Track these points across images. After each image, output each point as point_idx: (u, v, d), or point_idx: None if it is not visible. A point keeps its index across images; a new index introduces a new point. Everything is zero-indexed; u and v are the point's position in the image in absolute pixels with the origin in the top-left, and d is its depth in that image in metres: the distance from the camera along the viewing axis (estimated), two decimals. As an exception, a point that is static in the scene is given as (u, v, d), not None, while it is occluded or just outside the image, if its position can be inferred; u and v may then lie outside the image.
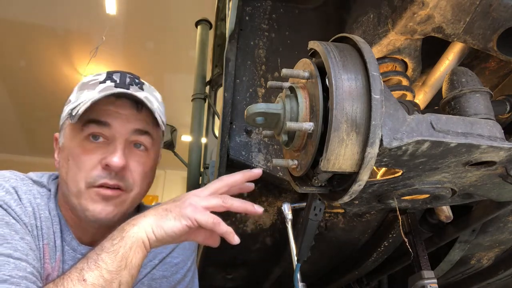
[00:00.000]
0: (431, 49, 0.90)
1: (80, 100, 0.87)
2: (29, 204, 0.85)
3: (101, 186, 0.84)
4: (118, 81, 0.90)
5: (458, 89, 0.71)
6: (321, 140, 0.58)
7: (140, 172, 0.90)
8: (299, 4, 1.23)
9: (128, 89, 0.89)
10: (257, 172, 0.82)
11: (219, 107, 2.66)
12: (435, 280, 1.11)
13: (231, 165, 1.21)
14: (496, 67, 0.94)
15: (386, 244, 1.46)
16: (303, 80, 0.64)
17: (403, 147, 0.58)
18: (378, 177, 0.78)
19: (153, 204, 1.08)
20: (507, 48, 0.74)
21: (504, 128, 0.67)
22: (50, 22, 4.79)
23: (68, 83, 5.70)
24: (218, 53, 2.75)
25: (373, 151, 0.55)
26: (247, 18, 1.21)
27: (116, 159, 0.83)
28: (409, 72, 0.91)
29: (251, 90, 1.18)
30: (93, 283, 0.69)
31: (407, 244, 1.17)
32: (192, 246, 1.12)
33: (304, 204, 1.13)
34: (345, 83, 0.56)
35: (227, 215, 1.40)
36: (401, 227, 1.26)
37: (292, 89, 0.66)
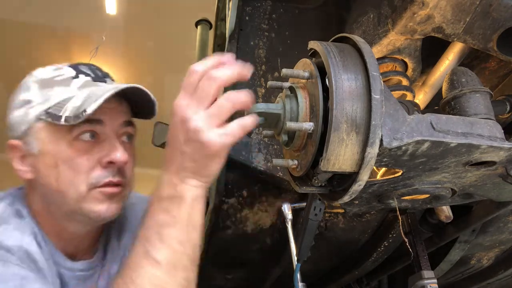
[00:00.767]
0: (431, 49, 0.90)
1: (58, 98, 0.80)
2: (22, 254, 0.74)
3: (105, 185, 0.80)
4: (93, 75, 0.86)
5: (458, 89, 0.71)
6: (321, 140, 0.58)
7: (133, 165, 0.87)
8: (299, 4, 1.23)
9: (106, 82, 0.87)
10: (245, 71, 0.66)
11: (219, 107, 2.65)
12: (435, 280, 1.11)
13: (231, 165, 1.21)
14: (496, 67, 0.94)
15: (386, 244, 1.46)
16: (303, 80, 0.64)
17: (403, 147, 0.58)
18: (378, 177, 0.78)
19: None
20: (507, 48, 0.74)
21: (504, 128, 0.67)
22: (50, 22, 4.79)
23: (68, 83, 5.69)
24: (218, 53, 2.74)
25: (373, 151, 0.55)
26: (247, 18, 1.21)
27: (120, 155, 0.80)
28: (409, 72, 0.91)
29: (251, 90, 1.18)
30: (168, 261, 0.63)
31: (407, 244, 1.17)
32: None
33: (304, 204, 1.14)
34: (345, 83, 0.56)
35: (227, 216, 1.40)
36: (401, 227, 1.26)
37: (292, 89, 0.66)
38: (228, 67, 0.64)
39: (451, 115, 0.66)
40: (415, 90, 0.93)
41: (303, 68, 0.65)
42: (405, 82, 0.89)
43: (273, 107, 0.64)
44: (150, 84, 5.80)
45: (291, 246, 1.19)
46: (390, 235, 1.42)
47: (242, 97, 0.64)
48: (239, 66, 0.65)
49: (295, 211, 1.26)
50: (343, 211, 1.37)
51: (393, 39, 0.83)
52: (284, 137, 0.65)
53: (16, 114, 0.82)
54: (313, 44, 0.64)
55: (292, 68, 0.68)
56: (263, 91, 1.21)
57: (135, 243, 0.67)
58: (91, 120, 0.78)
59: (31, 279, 0.70)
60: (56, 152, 0.79)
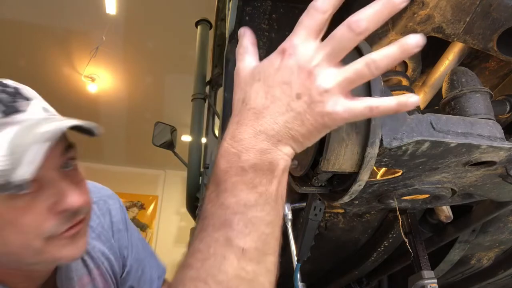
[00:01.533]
0: (431, 49, 0.90)
1: None
2: None
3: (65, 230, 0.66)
4: (5, 104, 0.60)
5: (458, 89, 0.71)
6: (321, 140, 0.58)
7: (86, 188, 0.72)
8: (299, 4, 1.23)
9: (20, 110, 0.61)
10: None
11: (219, 107, 2.66)
12: (435, 280, 1.11)
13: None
14: (496, 67, 0.94)
15: (386, 244, 1.46)
16: (303, 80, 0.64)
17: (403, 147, 0.58)
18: (378, 177, 0.78)
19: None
20: (507, 48, 0.74)
21: (504, 128, 0.67)
22: (50, 22, 4.79)
23: (68, 83, 5.70)
24: (218, 53, 2.75)
25: (373, 151, 0.55)
26: (247, 18, 1.21)
27: (73, 199, 0.64)
28: (409, 72, 0.91)
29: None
30: (256, 247, 0.49)
31: (407, 244, 1.17)
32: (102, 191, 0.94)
33: (304, 204, 1.13)
34: (345, 83, 0.56)
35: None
36: (401, 227, 1.26)
37: (292, 89, 0.66)
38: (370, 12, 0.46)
39: (451, 115, 0.65)
40: (415, 90, 0.93)
41: (303, 68, 0.65)
42: (405, 82, 0.89)
43: (273, 107, 0.64)
44: (150, 84, 5.82)
45: (291, 246, 1.19)
46: (390, 235, 1.42)
47: (388, 62, 0.46)
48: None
49: (295, 211, 1.26)
50: (343, 211, 1.37)
51: (393, 39, 0.83)
52: (284, 137, 0.65)
53: None
54: (313, 44, 0.64)
55: (292, 68, 0.68)
56: (263, 91, 1.20)
57: (207, 229, 0.50)
58: None
59: None
60: None
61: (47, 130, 0.57)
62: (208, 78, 2.80)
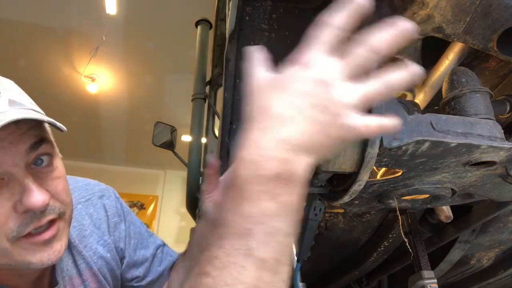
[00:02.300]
0: (431, 49, 0.90)
1: None
2: None
3: (32, 234, 0.64)
4: None
5: (458, 89, 0.71)
6: (321, 140, 0.58)
7: (61, 187, 0.69)
8: (299, 4, 1.23)
9: None
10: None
11: (219, 107, 2.66)
12: (435, 280, 1.11)
13: (231, 165, 1.21)
14: (496, 67, 0.94)
15: (386, 244, 1.46)
16: (303, 80, 0.64)
17: (403, 147, 0.58)
18: (378, 177, 0.78)
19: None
20: (507, 48, 0.74)
21: (504, 128, 0.67)
22: (50, 22, 4.79)
23: (68, 83, 5.70)
24: (218, 53, 2.75)
25: (373, 151, 0.55)
26: (247, 18, 1.21)
27: (36, 197, 0.61)
28: (409, 72, 0.91)
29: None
30: (275, 258, 0.48)
31: (407, 244, 1.17)
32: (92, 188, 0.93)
33: (304, 204, 1.13)
34: (345, 83, 0.56)
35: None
36: (401, 227, 1.26)
37: (292, 89, 0.66)
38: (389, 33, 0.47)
39: (451, 115, 0.65)
40: (415, 90, 0.93)
41: (303, 68, 0.65)
42: (405, 82, 0.89)
43: (273, 107, 0.64)
44: (150, 84, 5.81)
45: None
46: (390, 235, 1.42)
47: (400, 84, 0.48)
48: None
49: (295, 211, 1.25)
50: (343, 211, 1.37)
51: (393, 39, 0.83)
52: (284, 137, 0.65)
53: None
54: (313, 44, 0.64)
55: (292, 68, 0.68)
56: (263, 91, 1.20)
57: (227, 237, 0.48)
58: None
59: None
60: None
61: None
62: (208, 78, 2.79)
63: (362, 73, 0.48)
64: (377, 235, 1.50)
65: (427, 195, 0.78)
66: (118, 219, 0.95)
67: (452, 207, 1.18)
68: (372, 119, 0.48)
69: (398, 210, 0.85)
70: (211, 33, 2.84)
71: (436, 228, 1.36)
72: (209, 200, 0.70)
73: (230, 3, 1.22)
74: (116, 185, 1.10)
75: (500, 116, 0.87)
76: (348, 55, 0.48)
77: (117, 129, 6.75)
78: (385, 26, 0.48)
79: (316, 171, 0.62)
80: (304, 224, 1.04)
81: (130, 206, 8.03)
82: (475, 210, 1.19)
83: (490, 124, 0.64)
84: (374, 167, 0.65)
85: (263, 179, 0.47)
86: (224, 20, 2.42)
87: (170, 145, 2.62)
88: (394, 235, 1.41)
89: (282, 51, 1.34)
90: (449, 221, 1.18)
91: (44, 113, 0.69)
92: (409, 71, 0.49)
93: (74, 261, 0.85)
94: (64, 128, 0.66)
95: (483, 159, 0.64)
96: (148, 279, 0.97)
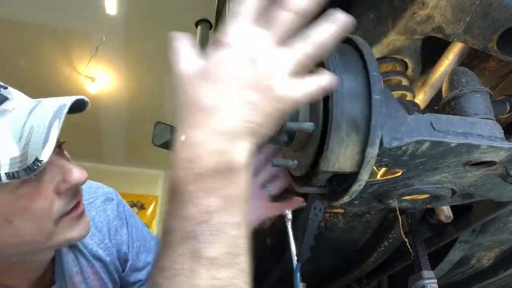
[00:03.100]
0: (431, 49, 0.90)
1: None
2: None
3: (71, 210, 0.68)
4: None
5: (458, 89, 0.71)
6: (321, 140, 0.58)
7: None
8: (299, 4, 1.22)
9: (8, 98, 0.62)
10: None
11: (219, 107, 2.65)
12: (435, 280, 1.11)
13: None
14: (496, 67, 0.94)
15: (386, 244, 1.46)
16: (303, 80, 0.64)
17: (403, 147, 0.58)
18: (378, 177, 0.78)
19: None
20: (507, 48, 0.74)
21: (504, 128, 0.67)
22: (50, 22, 4.79)
23: (68, 83, 5.70)
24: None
25: (373, 151, 0.55)
26: (247, 18, 1.21)
27: (79, 173, 0.65)
28: (409, 72, 0.91)
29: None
30: (226, 252, 0.45)
31: (407, 244, 1.17)
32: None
33: (304, 204, 1.13)
34: (345, 83, 0.56)
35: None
36: (401, 227, 1.26)
37: (292, 89, 0.66)
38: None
39: (451, 115, 0.65)
40: (415, 90, 0.93)
41: (303, 68, 0.65)
42: (405, 82, 0.89)
43: (273, 107, 0.64)
44: (150, 84, 5.81)
45: (291, 246, 1.19)
46: (390, 235, 1.42)
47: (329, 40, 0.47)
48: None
49: (295, 211, 1.25)
50: (343, 211, 1.37)
51: (393, 39, 0.83)
52: (284, 137, 0.65)
53: None
54: (313, 44, 0.64)
55: (292, 68, 0.68)
56: (263, 91, 1.20)
57: (171, 245, 0.46)
58: None
59: None
60: (2, 210, 0.61)
61: (55, 110, 0.58)
62: (208, 78, 2.79)
63: (289, 38, 0.46)
64: (377, 235, 1.50)
65: (427, 195, 0.78)
66: (119, 223, 0.96)
67: (452, 207, 1.18)
68: (306, 82, 0.47)
69: (398, 210, 0.85)
70: (211, 33, 2.84)
71: (436, 228, 1.36)
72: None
73: (230, 3, 1.22)
74: (116, 185, 1.10)
75: (500, 116, 0.87)
76: (272, 22, 0.46)
77: (117, 129, 6.74)
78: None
79: (316, 171, 0.62)
80: (304, 224, 1.04)
81: (131, 206, 8.01)
82: (475, 210, 1.19)
83: (490, 124, 0.64)
84: (374, 167, 0.65)
85: (200, 177, 0.44)
86: (224, 20, 2.42)
87: (170, 145, 2.62)
88: (394, 235, 1.41)
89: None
90: (449, 221, 1.18)
91: None
92: (336, 21, 0.48)
93: (76, 259, 0.86)
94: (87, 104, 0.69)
95: (483, 159, 0.64)
96: None
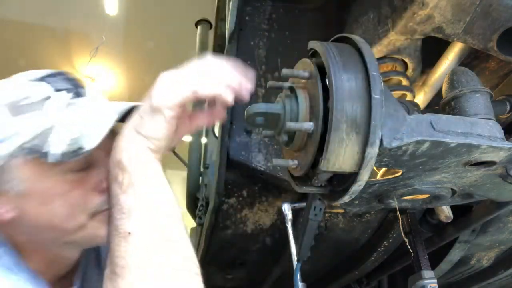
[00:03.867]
0: (431, 49, 0.90)
1: (33, 130, 0.66)
2: None
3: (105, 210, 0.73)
4: (71, 87, 0.73)
5: (458, 89, 0.71)
6: (321, 140, 0.58)
7: None
8: (299, 4, 1.23)
9: (83, 95, 0.74)
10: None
11: (219, 107, 2.65)
12: (435, 280, 1.11)
13: (231, 165, 1.21)
14: (496, 67, 0.94)
15: (386, 244, 1.46)
16: (303, 80, 0.64)
17: (403, 147, 0.58)
18: (378, 177, 0.78)
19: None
20: (507, 48, 0.74)
21: (504, 128, 0.67)
22: (50, 22, 4.79)
23: (68, 83, 5.69)
24: (218, 53, 2.75)
25: (373, 151, 0.55)
26: (247, 18, 1.21)
27: None
28: (409, 72, 0.91)
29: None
30: (139, 224, 0.59)
31: (407, 244, 1.17)
32: None
33: (304, 204, 1.13)
34: (345, 83, 0.56)
35: (227, 216, 1.40)
36: (401, 227, 1.26)
37: (292, 89, 0.66)
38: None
39: (451, 115, 0.65)
40: (415, 90, 0.93)
41: (303, 68, 0.65)
42: (405, 82, 0.89)
43: (273, 107, 0.64)
44: (150, 84, 5.81)
45: (291, 246, 1.19)
46: (390, 235, 1.42)
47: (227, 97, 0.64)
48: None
49: (295, 211, 1.26)
50: (343, 211, 1.37)
51: (393, 39, 0.83)
52: (284, 137, 0.65)
53: None
54: (313, 44, 0.64)
55: (292, 68, 0.68)
56: (263, 91, 1.20)
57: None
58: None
59: None
60: (46, 190, 0.68)
61: (115, 110, 0.69)
62: (208, 78, 2.78)
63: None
64: (377, 235, 1.50)
65: (427, 195, 0.78)
66: None
67: (452, 207, 1.18)
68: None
69: (398, 210, 0.85)
70: (211, 33, 2.84)
71: (436, 228, 1.36)
72: None
73: (230, 3, 1.22)
74: (116, 185, 1.10)
75: (500, 116, 0.87)
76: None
77: (117, 129, 6.74)
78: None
79: (316, 171, 0.62)
80: (304, 224, 1.04)
81: (130, 206, 8.02)
82: (475, 210, 1.19)
83: (490, 124, 0.64)
84: (374, 167, 0.65)
85: (110, 168, 0.64)
86: (224, 20, 2.42)
87: (170, 145, 2.62)
88: (394, 235, 1.41)
89: (282, 51, 1.34)
90: (449, 221, 1.18)
91: None
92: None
93: (98, 265, 0.89)
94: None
95: (483, 159, 0.64)
96: None
